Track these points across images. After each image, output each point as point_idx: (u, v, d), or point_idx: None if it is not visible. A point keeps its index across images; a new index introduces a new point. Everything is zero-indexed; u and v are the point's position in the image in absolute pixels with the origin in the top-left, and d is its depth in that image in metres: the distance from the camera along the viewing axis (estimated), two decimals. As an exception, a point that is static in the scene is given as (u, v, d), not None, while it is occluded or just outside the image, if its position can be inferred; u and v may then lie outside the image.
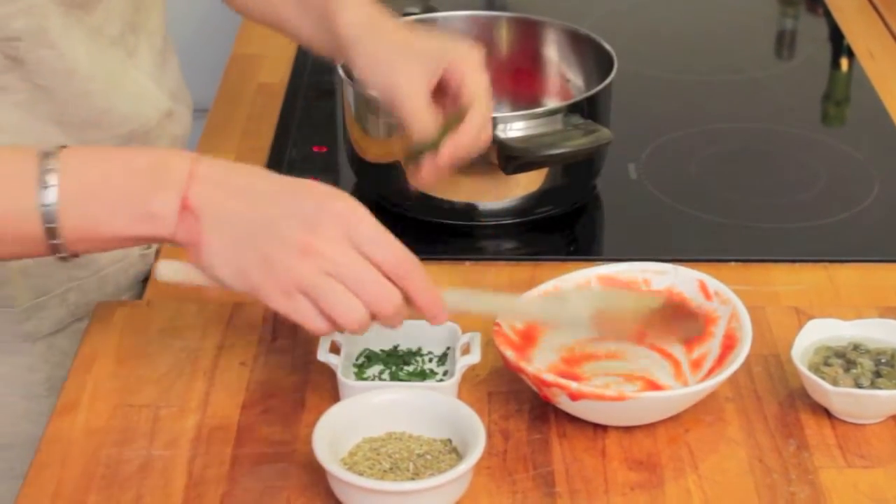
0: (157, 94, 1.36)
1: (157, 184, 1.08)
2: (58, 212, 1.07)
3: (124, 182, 1.08)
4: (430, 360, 1.21)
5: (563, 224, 1.46)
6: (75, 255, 1.11)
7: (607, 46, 1.49)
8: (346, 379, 1.16)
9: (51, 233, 1.08)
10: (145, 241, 1.11)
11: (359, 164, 1.48)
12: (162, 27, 1.40)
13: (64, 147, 1.09)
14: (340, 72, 1.44)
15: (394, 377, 1.19)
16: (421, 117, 1.23)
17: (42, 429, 1.15)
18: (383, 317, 1.07)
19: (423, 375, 1.19)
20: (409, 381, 1.18)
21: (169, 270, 1.12)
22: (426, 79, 1.25)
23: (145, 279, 1.38)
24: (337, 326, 1.07)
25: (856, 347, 1.18)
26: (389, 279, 1.07)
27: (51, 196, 1.07)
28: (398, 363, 1.20)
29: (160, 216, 1.07)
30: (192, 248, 1.08)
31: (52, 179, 1.07)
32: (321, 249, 1.05)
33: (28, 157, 1.08)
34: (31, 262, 1.28)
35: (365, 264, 1.06)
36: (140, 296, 1.37)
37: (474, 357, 1.17)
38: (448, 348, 1.21)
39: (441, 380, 1.18)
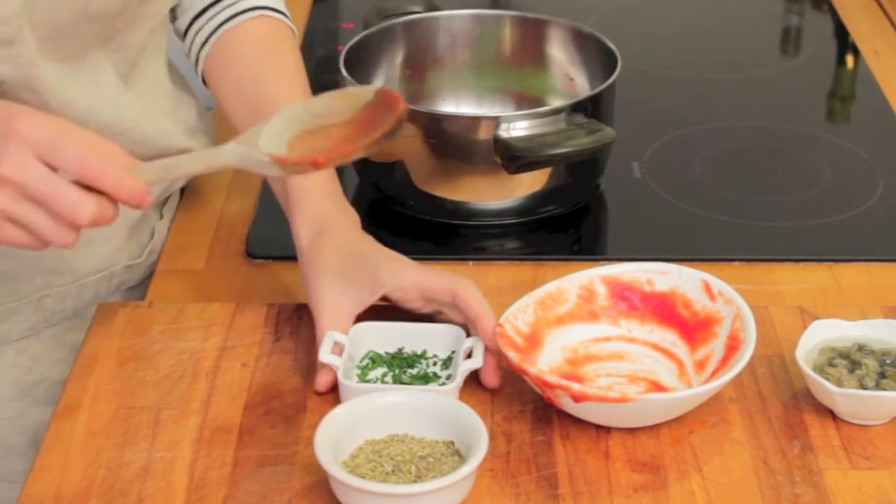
0: (173, 132, 1.35)
1: None
2: None
3: None
4: (435, 364, 1.20)
5: (567, 223, 1.45)
6: None
7: (611, 45, 1.49)
8: (346, 381, 1.16)
9: None
10: None
11: (361, 164, 1.47)
12: (164, 72, 1.37)
13: None
14: (343, 72, 1.44)
15: (396, 380, 1.18)
16: (323, 357, 1.18)
17: (9, 434, 1.14)
18: (84, 225, 1.06)
19: (426, 379, 1.18)
20: (411, 384, 1.18)
21: None
22: (347, 312, 1.21)
23: (132, 286, 1.37)
24: (48, 243, 1.07)
25: (860, 348, 1.18)
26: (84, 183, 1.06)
27: None
28: (402, 366, 1.20)
29: None
30: None
31: None
32: (11, 177, 1.04)
33: None
34: (8, 267, 1.27)
35: (53, 178, 1.04)
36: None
37: (476, 362, 1.16)
38: (453, 352, 1.21)
39: (444, 384, 1.18)
